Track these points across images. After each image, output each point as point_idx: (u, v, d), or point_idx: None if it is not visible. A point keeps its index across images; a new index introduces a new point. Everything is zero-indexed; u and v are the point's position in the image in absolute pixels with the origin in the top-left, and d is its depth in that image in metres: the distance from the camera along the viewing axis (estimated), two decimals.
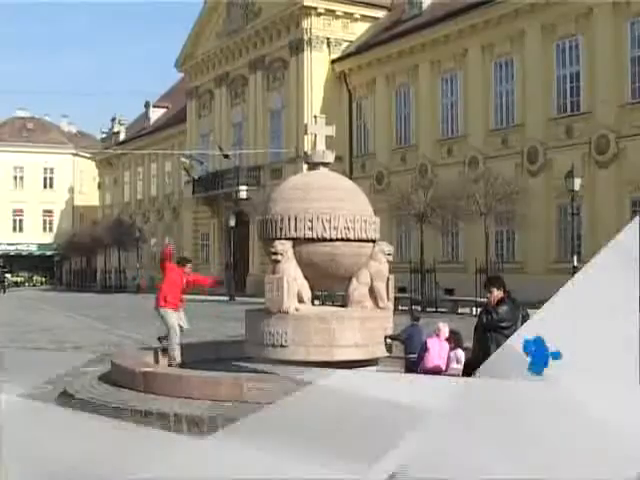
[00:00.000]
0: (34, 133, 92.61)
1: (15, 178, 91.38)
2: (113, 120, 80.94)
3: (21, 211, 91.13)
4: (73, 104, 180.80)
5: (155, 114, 73.96)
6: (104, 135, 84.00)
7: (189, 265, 14.35)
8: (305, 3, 48.34)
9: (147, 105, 75.60)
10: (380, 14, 49.90)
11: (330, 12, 49.14)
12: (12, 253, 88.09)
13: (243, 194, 52.35)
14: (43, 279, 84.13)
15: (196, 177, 57.56)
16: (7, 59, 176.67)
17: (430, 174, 41.72)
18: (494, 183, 33.58)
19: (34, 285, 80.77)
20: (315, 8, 48.72)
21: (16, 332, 24.88)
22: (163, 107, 74.38)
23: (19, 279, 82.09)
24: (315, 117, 14.37)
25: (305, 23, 49.06)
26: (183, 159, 58.36)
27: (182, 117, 64.69)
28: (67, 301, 48.35)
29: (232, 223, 48.50)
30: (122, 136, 78.64)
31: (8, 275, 79.41)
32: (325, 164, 12.98)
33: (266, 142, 52.26)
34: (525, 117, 38.57)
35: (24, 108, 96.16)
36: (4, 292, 64.85)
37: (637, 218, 3.10)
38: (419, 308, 28.13)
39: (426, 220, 35.51)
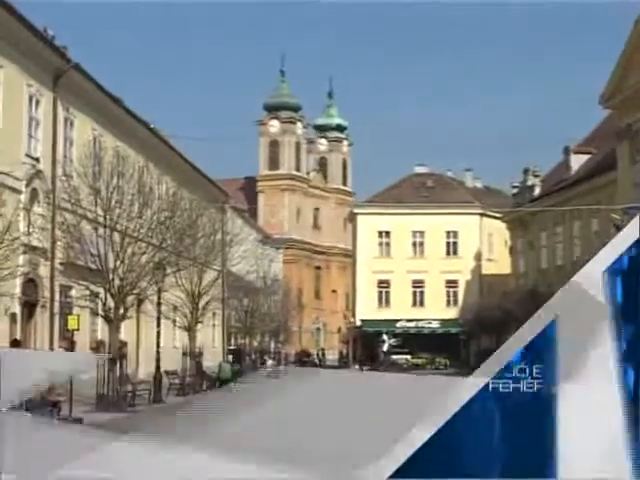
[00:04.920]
0: (434, 191, 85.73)
1: (414, 244, 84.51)
2: (526, 172, 73.03)
3: (421, 282, 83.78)
4: (477, 155, 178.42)
5: (577, 161, 65.04)
6: (515, 190, 76.10)
7: None
8: None
9: (567, 151, 66.66)
10: None
11: None
12: (412, 331, 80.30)
13: None
14: (447, 361, 74.40)
15: None
16: (408, 112, 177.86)
17: None
18: None
19: (437, 368, 71.36)
20: None
21: None
22: (586, 152, 65.23)
23: (420, 361, 73.64)
24: None
25: None
26: (613, 215, 48.23)
27: (610, 163, 55.63)
28: None
29: None
30: (537, 190, 70.79)
31: (407, 356, 73.27)
32: None
33: None
34: None
35: (423, 164, 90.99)
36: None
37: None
38: None
39: None
